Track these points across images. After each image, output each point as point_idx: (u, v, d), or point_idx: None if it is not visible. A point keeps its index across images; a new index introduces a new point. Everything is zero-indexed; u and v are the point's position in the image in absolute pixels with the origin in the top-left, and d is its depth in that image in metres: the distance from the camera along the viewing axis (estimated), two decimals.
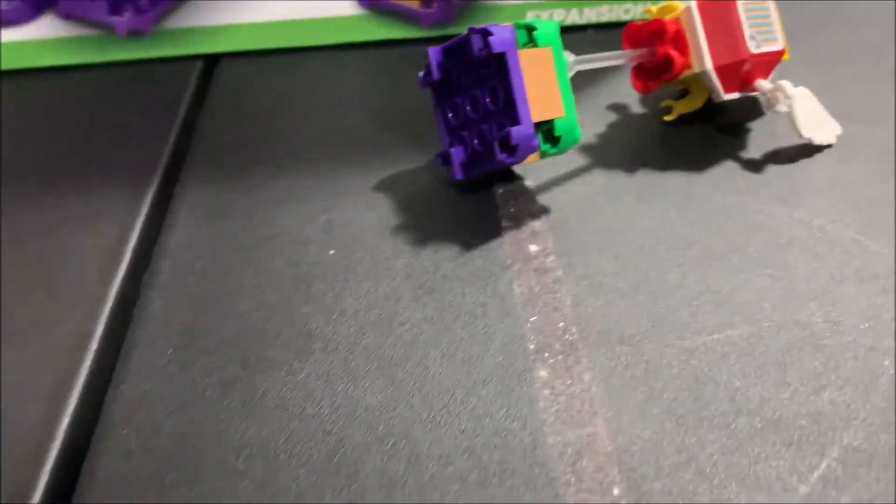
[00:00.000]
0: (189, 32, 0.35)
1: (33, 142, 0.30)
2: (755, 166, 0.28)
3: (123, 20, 0.34)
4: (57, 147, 0.30)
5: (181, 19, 0.35)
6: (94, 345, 0.22)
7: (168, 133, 0.30)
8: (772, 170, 0.28)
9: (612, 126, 0.30)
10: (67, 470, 0.20)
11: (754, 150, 0.29)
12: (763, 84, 0.28)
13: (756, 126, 0.30)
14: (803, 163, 0.28)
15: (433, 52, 0.27)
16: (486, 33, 0.25)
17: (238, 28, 0.35)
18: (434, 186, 0.28)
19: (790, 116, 0.28)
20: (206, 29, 0.35)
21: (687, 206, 0.26)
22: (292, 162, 0.29)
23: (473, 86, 0.26)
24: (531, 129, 0.25)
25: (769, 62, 0.28)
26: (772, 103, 0.28)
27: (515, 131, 0.24)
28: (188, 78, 0.34)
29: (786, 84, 0.28)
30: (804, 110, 0.28)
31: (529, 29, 0.25)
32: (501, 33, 0.25)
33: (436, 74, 0.27)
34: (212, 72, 0.34)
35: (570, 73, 0.26)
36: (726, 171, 0.28)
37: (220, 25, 0.35)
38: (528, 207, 0.27)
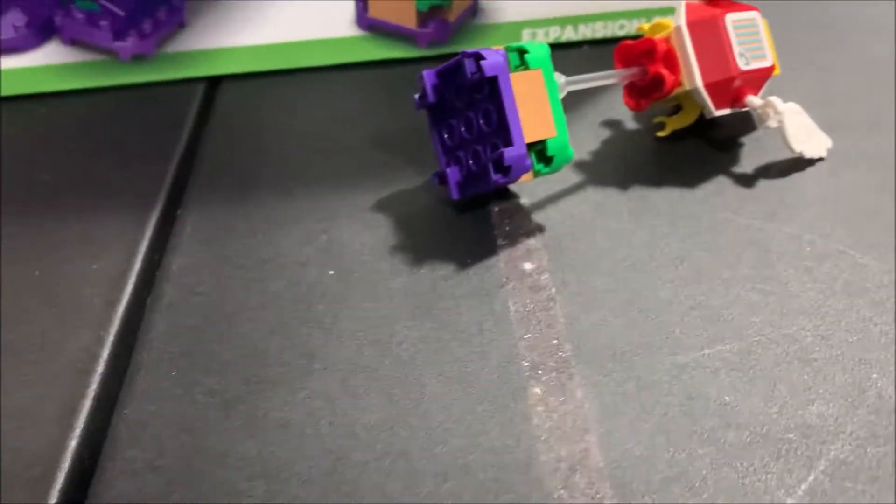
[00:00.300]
0: (191, 55, 0.36)
1: (37, 166, 0.31)
2: (746, 181, 0.29)
3: (127, 45, 0.35)
4: (61, 171, 0.31)
5: (183, 43, 0.35)
6: (101, 367, 0.23)
7: (171, 155, 0.31)
8: (763, 184, 0.28)
9: (605, 143, 0.31)
10: (75, 491, 0.20)
11: (746, 164, 0.29)
12: (753, 100, 0.28)
13: (747, 140, 0.31)
14: (794, 177, 0.29)
15: (428, 76, 0.27)
16: (478, 57, 0.25)
17: (239, 50, 0.36)
18: (431, 206, 0.28)
19: (781, 131, 0.28)
20: (207, 52, 0.36)
21: (678, 222, 0.27)
22: (292, 183, 0.29)
23: (467, 108, 0.27)
24: (524, 150, 0.25)
25: (759, 78, 0.29)
26: (762, 119, 0.28)
27: (508, 152, 0.25)
28: (191, 100, 0.34)
29: (775, 100, 0.28)
30: (794, 125, 0.28)
31: (521, 52, 0.26)
32: (493, 57, 0.25)
33: (430, 97, 0.28)
34: (214, 93, 0.35)
35: (562, 95, 0.27)
36: (718, 187, 0.28)
37: (221, 48, 0.36)
38: (522, 226, 0.27)
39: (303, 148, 0.31)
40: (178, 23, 0.35)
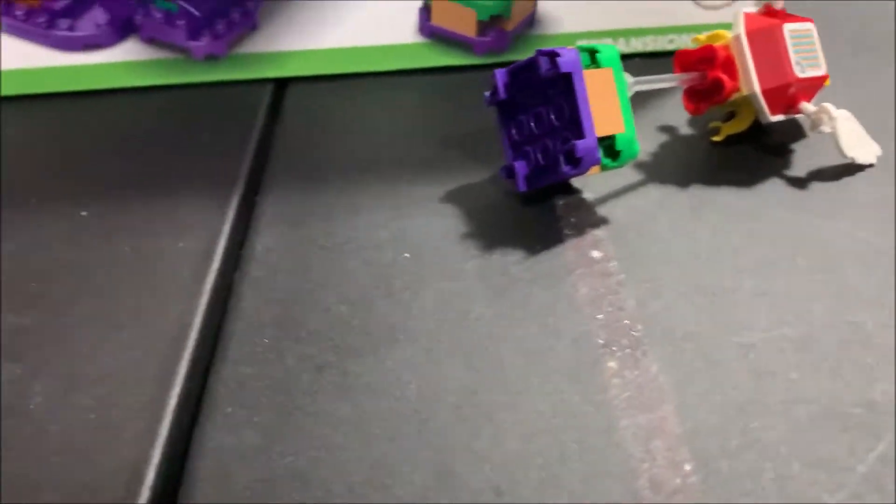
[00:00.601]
0: (261, 57, 0.37)
1: (121, 156, 0.32)
2: (800, 183, 0.30)
3: (201, 45, 0.37)
4: (143, 161, 0.32)
5: (254, 44, 0.37)
6: (194, 333, 0.24)
7: (246, 148, 0.33)
8: (816, 186, 0.30)
9: (664, 145, 0.32)
10: (177, 443, 0.21)
11: (798, 168, 0.31)
12: (807, 106, 0.30)
13: (799, 147, 0.32)
14: (846, 180, 0.30)
15: (500, 74, 0.29)
16: (553, 55, 0.27)
17: (308, 54, 0.37)
18: (498, 198, 0.30)
19: (833, 137, 0.30)
20: (277, 54, 0.37)
21: (738, 218, 0.28)
22: (363, 174, 0.31)
23: (538, 104, 0.28)
24: (594, 143, 0.27)
25: (813, 86, 0.30)
26: (816, 124, 0.30)
27: (580, 144, 0.26)
28: (261, 98, 0.36)
29: (829, 106, 0.29)
30: (846, 131, 0.30)
31: (592, 52, 0.27)
32: (568, 55, 0.27)
33: (502, 94, 0.29)
34: (283, 93, 0.37)
35: (630, 93, 0.28)
36: (773, 187, 0.30)
37: (291, 51, 0.37)
38: (588, 218, 0.29)
39: (370, 144, 0.33)
40: (250, 25, 0.37)
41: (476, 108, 0.32)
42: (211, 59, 0.37)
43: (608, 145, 0.27)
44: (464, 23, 0.38)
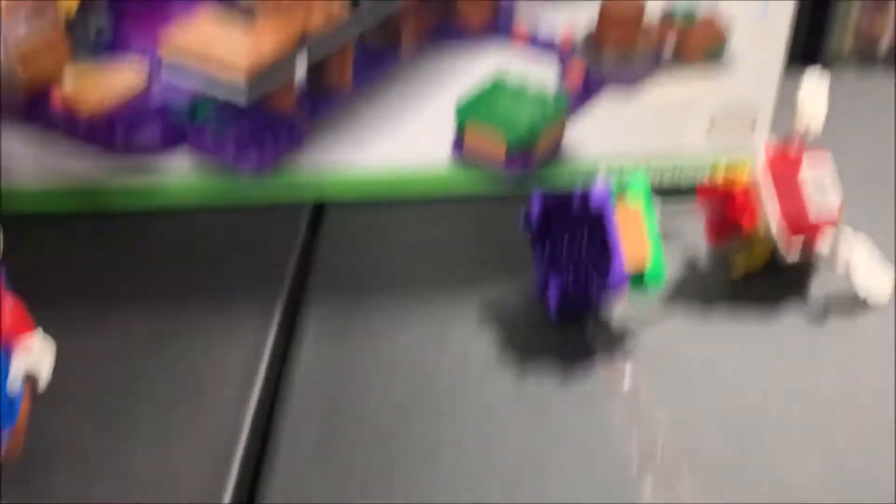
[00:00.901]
0: (303, 180, 0.39)
1: (172, 273, 0.34)
2: (816, 317, 0.31)
3: (248, 161, 0.39)
4: (193, 278, 0.34)
5: (298, 160, 0.39)
6: (241, 448, 0.25)
7: (286, 264, 0.34)
8: (833, 321, 0.31)
9: (689, 271, 0.34)
10: None
11: (816, 299, 0.32)
12: (825, 247, 0.31)
13: (817, 280, 0.33)
14: (861, 317, 0.31)
15: (535, 201, 0.31)
16: (586, 194, 0.29)
17: (348, 179, 0.39)
18: (533, 319, 0.31)
19: (848, 274, 0.31)
20: (319, 175, 0.39)
21: (756, 349, 0.30)
22: (403, 293, 0.32)
23: (571, 232, 0.30)
24: (624, 275, 0.28)
25: (830, 221, 0.32)
26: (831, 263, 0.31)
27: (611, 276, 0.28)
28: (300, 217, 0.38)
29: (844, 245, 0.31)
30: (860, 269, 0.31)
31: (623, 185, 0.29)
32: (600, 194, 0.29)
33: (537, 220, 0.31)
34: (321, 214, 0.38)
35: (658, 225, 0.30)
36: (792, 321, 0.31)
37: (332, 176, 0.39)
38: (617, 343, 0.30)
39: (408, 264, 0.34)
40: (297, 142, 0.39)
41: (510, 231, 0.34)
42: (257, 175, 0.39)
43: (636, 276, 0.29)
44: (494, 148, 0.40)
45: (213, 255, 0.35)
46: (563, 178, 0.41)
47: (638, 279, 0.29)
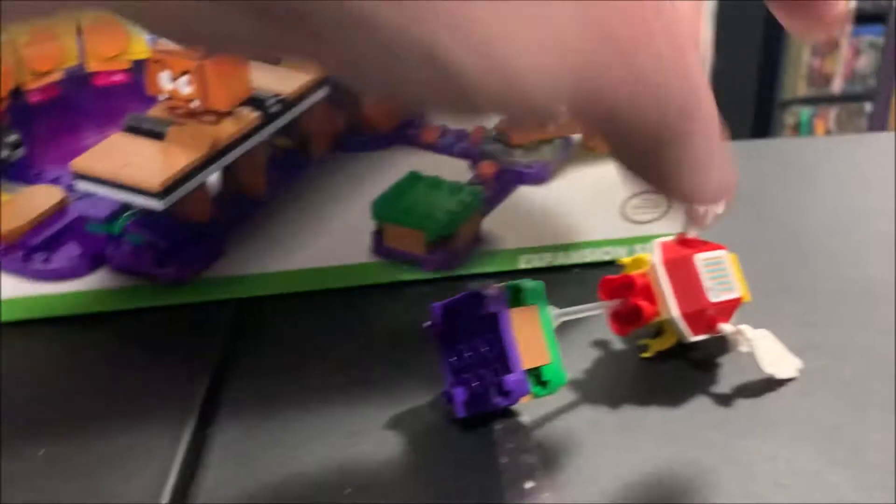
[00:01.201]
0: (224, 280, 0.40)
1: (85, 384, 0.34)
2: (725, 400, 0.32)
3: (167, 273, 0.39)
4: (106, 388, 0.34)
5: (220, 268, 0.40)
6: None
7: (204, 371, 0.34)
8: (741, 403, 0.31)
9: (596, 363, 0.34)
10: None
11: (724, 383, 0.32)
12: (725, 328, 0.32)
13: (725, 360, 0.34)
14: (769, 396, 0.32)
15: (437, 308, 0.31)
16: (481, 296, 0.29)
17: (269, 276, 0.40)
18: (439, 423, 0.31)
19: (753, 355, 0.32)
20: (237, 278, 0.40)
21: (664, 439, 0.30)
22: (313, 402, 0.32)
23: (473, 335, 0.31)
24: (522, 376, 0.29)
25: (729, 308, 0.33)
26: (734, 344, 0.32)
27: (509, 379, 0.28)
28: (222, 318, 0.38)
29: (745, 328, 0.32)
30: (764, 349, 0.32)
31: (517, 290, 0.30)
32: (494, 296, 0.29)
33: (439, 326, 0.31)
34: (243, 312, 0.39)
35: (555, 325, 0.30)
36: (700, 404, 0.31)
37: (253, 274, 0.40)
38: (523, 443, 0.30)
39: (324, 364, 0.35)
40: (216, 253, 0.40)
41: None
42: (175, 284, 0.40)
43: (536, 375, 0.29)
44: (414, 243, 0.41)
45: (132, 361, 0.35)
46: (482, 269, 0.41)
47: (538, 378, 0.29)
